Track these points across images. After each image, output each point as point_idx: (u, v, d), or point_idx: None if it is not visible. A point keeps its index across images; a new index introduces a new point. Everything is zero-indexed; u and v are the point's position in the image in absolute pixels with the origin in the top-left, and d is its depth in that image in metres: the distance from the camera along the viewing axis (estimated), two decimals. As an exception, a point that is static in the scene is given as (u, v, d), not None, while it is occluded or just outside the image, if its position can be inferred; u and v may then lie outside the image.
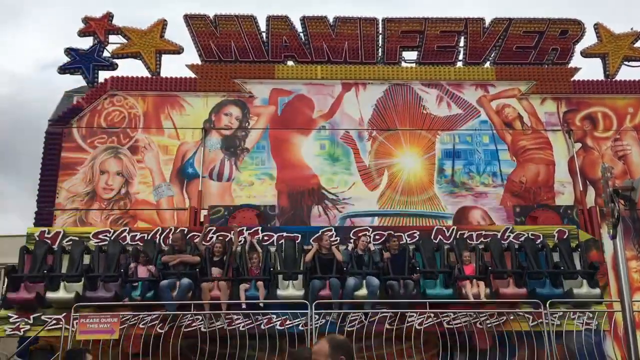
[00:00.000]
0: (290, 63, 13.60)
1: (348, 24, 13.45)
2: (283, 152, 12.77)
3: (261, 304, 9.13)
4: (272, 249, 9.98)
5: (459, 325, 9.01)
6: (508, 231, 10.35)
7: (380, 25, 13.51)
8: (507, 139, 13.02)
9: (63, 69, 13.20)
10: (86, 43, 13.30)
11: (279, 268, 9.67)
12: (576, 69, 13.67)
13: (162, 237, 10.15)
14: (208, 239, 9.91)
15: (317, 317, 8.70)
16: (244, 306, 9.11)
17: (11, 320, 9.21)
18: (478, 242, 10.16)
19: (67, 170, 12.25)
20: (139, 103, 12.92)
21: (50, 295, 9.32)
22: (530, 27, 13.58)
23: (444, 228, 10.50)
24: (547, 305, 8.87)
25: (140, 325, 8.90)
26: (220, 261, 9.56)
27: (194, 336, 8.79)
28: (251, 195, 12.35)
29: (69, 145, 12.45)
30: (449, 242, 10.17)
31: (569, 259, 9.90)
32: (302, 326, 8.89)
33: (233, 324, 8.90)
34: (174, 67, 13.95)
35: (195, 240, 9.83)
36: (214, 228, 10.23)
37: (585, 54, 13.83)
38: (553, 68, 13.68)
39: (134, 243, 10.00)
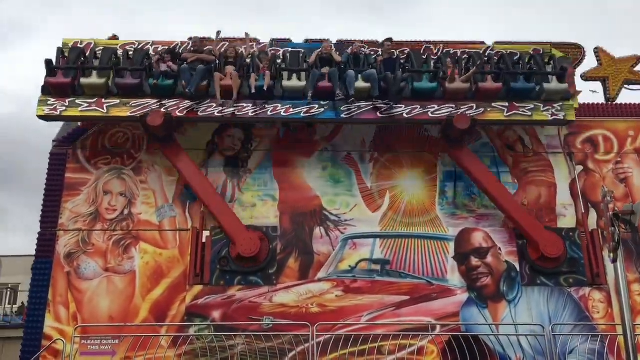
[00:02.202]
0: (293, 85, 13.71)
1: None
2: (285, 173, 12.81)
3: (265, 89, 11.21)
4: (279, 60, 12.14)
5: (442, 115, 11.53)
6: (489, 49, 12.60)
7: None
8: (509, 162, 13.06)
9: (68, 90, 13.32)
10: (92, 65, 13.47)
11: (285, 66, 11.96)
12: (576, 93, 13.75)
13: (182, 48, 12.14)
14: (221, 45, 12.13)
15: (316, 105, 11.53)
16: (253, 90, 11.20)
17: (49, 102, 11.28)
18: (463, 56, 12.35)
19: (71, 191, 12.31)
20: (143, 124, 12.99)
21: (83, 80, 11.36)
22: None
23: (431, 46, 12.69)
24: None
25: (162, 110, 11.27)
26: (233, 62, 11.64)
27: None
28: (253, 217, 12.36)
29: (73, 166, 12.52)
30: (436, 57, 12.36)
31: (543, 67, 12.18)
32: (304, 113, 11.50)
33: (243, 110, 11.30)
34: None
35: (211, 47, 11.92)
36: (227, 43, 12.30)
37: (586, 77, 13.93)
38: (554, 91, 13.77)
39: (156, 53, 11.96)
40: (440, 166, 12.99)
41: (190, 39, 12.21)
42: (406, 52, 12.44)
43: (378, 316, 11.37)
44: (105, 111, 11.29)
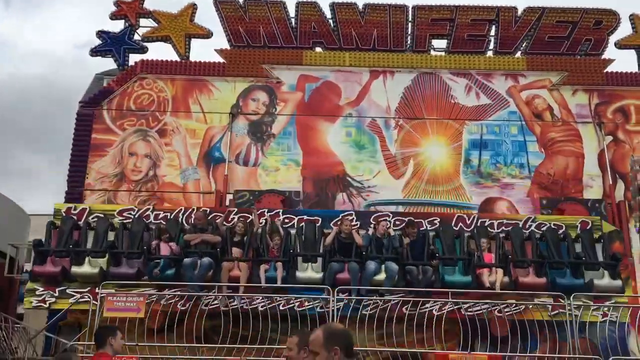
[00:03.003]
0: (318, 49, 13.59)
1: (377, 10, 13.36)
2: (309, 138, 12.81)
3: (278, 283, 9.27)
4: (293, 231, 10.13)
5: (477, 312, 9.14)
6: (530, 220, 10.36)
7: (409, 13, 13.39)
8: (536, 131, 12.85)
9: (95, 52, 13.40)
10: (118, 26, 13.50)
11: (298, 250, 9.83)
12: (609, 61, 13.40)
13: (184, 217, 10.41)
14: (230, 219, 10.11)
15: (335, 300, 8.89)
16: (264, 283, 9.35)
17: (37, 292, 9.60)
18: (499, 230, 10.15)
19: (97, 152, 12.49)
20: (168, 87, 13.07)
21: (75, 269, 9.66)
22: (563, 17, 13.33)
23: (464, 215, 10.56)
24: (571, 297, 8.82)
25: (162, 302, 9.25)
26: (240, 242, 9.74)
27: (215, 314, 8.96)
28: (276, 181, 12.44)
29: (99, 127, 12.68)
30: (469, 229, 10.19)
31: (590, 249, 9.90)
32: (320, 308, 9.11)
33: (253, 303, 9.12)
34: (203, 51, 14.04)
35: (217, 220, 10.05)
36: (236, 210, 10.49)
37: (620, 45, 13.53)
38: (586, 59, 13.43)
39: (157, 222, 10.30)
40: (465, 134, 12.86)
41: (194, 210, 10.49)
42: (436, 222, 10.36)
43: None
44: (99, 303, 9.20)
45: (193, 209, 10.49)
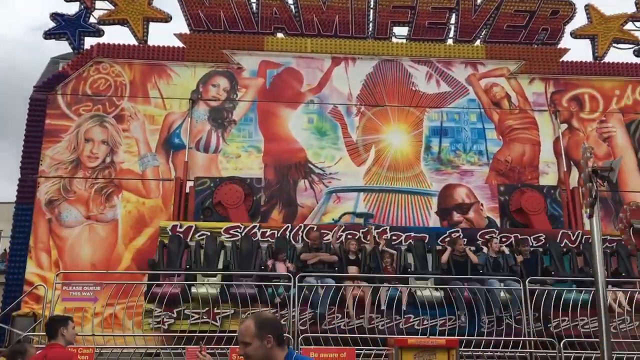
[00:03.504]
0: (280, 35, 13.46)
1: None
2: (270, 125, 12.72)
3: (404, 307, 9.15)
4: (402, 247, 10.36)
5: (595, 329, 8.71)
6: None
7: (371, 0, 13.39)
8: (494, 118, 13.07)
9: (48, 34, 12.97)
10: (72, 8, 13.09)
11: (412, 268, 10.05)
12: (565, 50, 13.67)
13: (292, 234, 10.46)
14: (338, 236, 10.16)
15: (454, 318, 8.95)
16: (383, 307, 9.22)
17: (155, 314, 9.15)
18: (603, 246, 10.02)
19: (51, 138, 12.13)
20: (126, 71, 12.76)
21: (195, 290, 9.26)
22: (521, 6, 13.51)
23: (569, 232, 10.83)
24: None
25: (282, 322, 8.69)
26: (356, 260, 9.70)
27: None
28: (237, 168, 12.33)
29: (53, 112, 12.30)
30: (574, 246, 10.54)
31: None
32: (440, 326, 8.93)
33: (372, 322, 9.04)
34: (161, 35, 13.74)
35: (325, 238, 10.15)
36: (344, 226, 10.62)
37: (575, 35, 13.82)
38: (542, 48, 13.67)
39: (264, 239, 10.37)
40: (426, 121, 12.98)
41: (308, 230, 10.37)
42: (542, 239, 10.63)
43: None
44: (218, 324, 9.01)
45: (300, 227, 10.57)
